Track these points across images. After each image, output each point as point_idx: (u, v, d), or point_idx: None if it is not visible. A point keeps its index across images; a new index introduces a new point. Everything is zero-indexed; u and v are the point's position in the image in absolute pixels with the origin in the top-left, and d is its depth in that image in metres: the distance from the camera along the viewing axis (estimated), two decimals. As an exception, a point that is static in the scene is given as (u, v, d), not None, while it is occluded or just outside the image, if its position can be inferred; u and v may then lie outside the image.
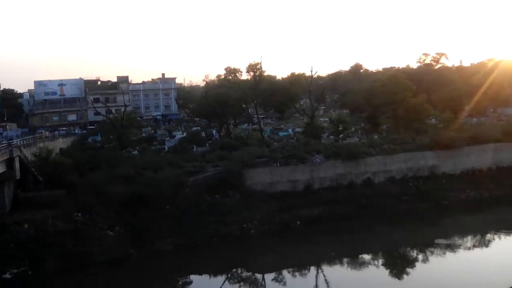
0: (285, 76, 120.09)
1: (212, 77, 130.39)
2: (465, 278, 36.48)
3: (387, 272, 43.31)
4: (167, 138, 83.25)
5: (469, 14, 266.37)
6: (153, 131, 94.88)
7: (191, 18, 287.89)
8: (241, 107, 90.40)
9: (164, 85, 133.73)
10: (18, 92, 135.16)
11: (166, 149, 72.82)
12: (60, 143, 76.41)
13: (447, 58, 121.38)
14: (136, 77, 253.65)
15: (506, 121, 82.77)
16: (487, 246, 48.17)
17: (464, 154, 63.42)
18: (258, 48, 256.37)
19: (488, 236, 50.43)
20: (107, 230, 45.66)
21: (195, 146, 71.35)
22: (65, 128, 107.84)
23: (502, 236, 50.73)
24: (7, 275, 39.85)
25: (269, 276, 42.69)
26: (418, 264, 43.68)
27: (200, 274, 44.47)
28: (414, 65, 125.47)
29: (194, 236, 47.54)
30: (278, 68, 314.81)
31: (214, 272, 44.00)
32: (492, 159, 64.46)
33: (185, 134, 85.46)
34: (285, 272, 43.25)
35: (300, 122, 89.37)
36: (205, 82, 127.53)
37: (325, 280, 41.04)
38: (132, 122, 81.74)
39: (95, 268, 41.74)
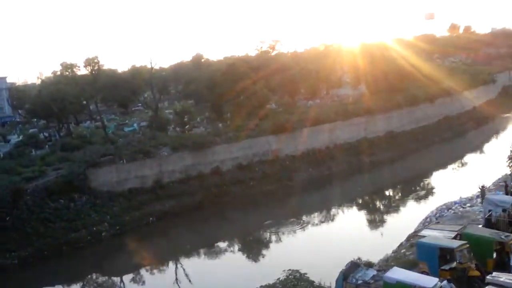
0: (126, 69, 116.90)
1: (48, 74, 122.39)
2: (316, 253, 38.47)
3: (244, 256, 44.54)
4: (1, 143, 76.76)
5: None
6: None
7: (16, 8, 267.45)
8: (81, 104, 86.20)
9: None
10: None
11: (1, 155, 67.12)
12: None
13: (281, 45, 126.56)
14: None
15: (338, 101, 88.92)
16: (333, 220, 51.64)
17: (304, 135, 66.94)
18: (95, 41, 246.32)
19: (333, 211, 54.00)
20: None
21: (33, 150, 66.67)
22: None
23: (345, 210, 54.73)
24: None
25: (127, 278, 41.76)
26: (273, 245, 45.46)
27: (53, 285, 42.26)
28: (253, 52, 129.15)
29: (41, 246, 44.55)
30: (118, 62, 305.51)
31: (68, 282, 42.05)
32: (329, 138, 69.14)
33: (21, 137, 79.47)
34: (143, 271, 42.65)
35: (145, 115, 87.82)
36: (40, 80, 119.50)
37: (185, 273, 41.02)
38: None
39: None
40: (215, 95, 78.71)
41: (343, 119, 71.52)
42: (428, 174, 64.04)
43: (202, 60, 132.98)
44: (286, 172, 62.32)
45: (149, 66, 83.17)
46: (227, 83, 75.41)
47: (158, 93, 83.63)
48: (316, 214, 53.23)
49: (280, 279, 24.07)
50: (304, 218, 50.71)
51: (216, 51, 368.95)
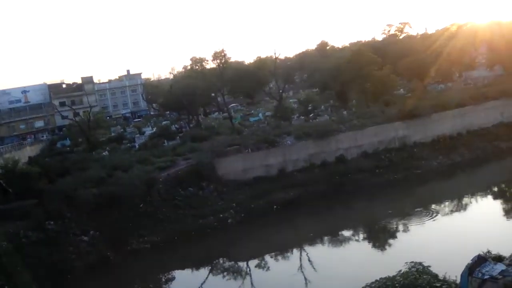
0: (252, 61, 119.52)
1: (179, 69, 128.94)
2: (444, 245, 36.45)
3: (369, 246, 43.37)
4: (136, 135, 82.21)
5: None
6: (122, 130, 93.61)
7: (152, 11, 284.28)
8: (209, 96, 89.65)
9: (130, 81, 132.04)
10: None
11: (137, 146, 71.91)
12: (28, 151, 74.88)
13: (410, 27, 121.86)
14: (102, 76, 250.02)
15: (473, 84, 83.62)
16: (465, 210, 48.55)
17: (434, 121, 63.74)
18: (222, 34, 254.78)
19: (465, 200, 50.82)
20: (81, 236, 44.73)
21: (165, 141, 70.59)
22: (31, 136, 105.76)
23: (479, 199, 51.22)
24: (-18, 292, 38.80)
25: (252, 263, 42.38)
26: (399, 235, 43.72)
27: (182, 269, 44.01)
28: (380, 37, 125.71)
29: (171, 232, 47.01)
30: (245, 54, 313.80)
31: (196, 266, 43.53)
32: (461, 124, 65.12)
33: (155, 129, 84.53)
34: (267, 258, 43.09)
35: (270, 105, 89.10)
36: (172, 75, 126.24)
37: (309, 260, 40.73)
38: (99, 123, 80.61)
39: (72, 275, 40.97)
40: (339, 82, 77.86)
41: (476, 103, 66.82)
42: None
43: (327, 47, 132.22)
44: (414, 160, 59.72)
45: (273, 56, 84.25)
46: (352, 70, 74.22)
47: (283, 82, 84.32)
48: (446, 203, 50.29)
49: (402, 271, 22.87)
50: (433, 207, 48.17)
51: (342, 37, 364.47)
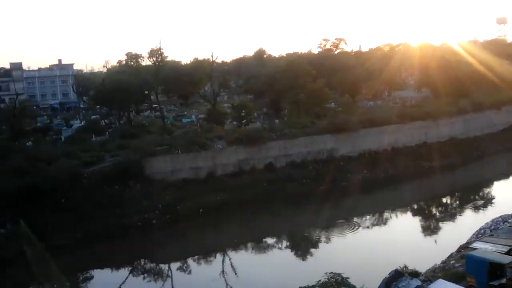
0: (189, 62, 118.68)
1: (114, 63, 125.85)
2: (363, 257, 37.59)
3: (291, 254, 44.18)
4: (64, 128, 79.62)
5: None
6: (48, 121, 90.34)
7: (90, 1, 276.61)
8: (142, 93, 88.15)
9: (61, 71, 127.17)
10: None
11: (63, 139, 69.66)
12: None
13: (345, 44, 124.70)
14: (32, 64, 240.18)
15: (401, 104, 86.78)
16: (385, 224, 50.45)
17: (361, 136, 65.73)
18: (160, 32, 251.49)
19: (386, 214, 52.76)
20: (-4, 227, 42.87)
21: (94, 135, 68.83)
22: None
23: (399, 214, 53.36)
24: None
25: (174, 266, 42.34)
26: (321, 245, 44.79)
27: (102, 268, 43.18)
28: (316, 50, 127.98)
29: (94, 230, 45.80)
30: (182, 54, 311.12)
31: (116, 266, 42.97)
32: (388, 141, 67.39)
33: (83, 123, 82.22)
34: (190, 261, 43.16)
35: (204, 108, 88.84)
36: (105, 69, 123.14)
37: (231, 265, 41.07)
38: (26, 111, 77.48)
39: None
40: (274, 91, 78.67)
41: (403, 122, 69.48)
42: (489, 183, 61.36)
43: (265, 55, 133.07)
44: (341, 172, 61.32)
45: (211, 59, 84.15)
46: (287, 80, 75.20)
47: (218, 86, 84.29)
48: (368, 217, 52.07)
49: (321, 281, 23.54)
50: (355, 220, 49.74)
51: (279, 47, 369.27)
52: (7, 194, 44.90)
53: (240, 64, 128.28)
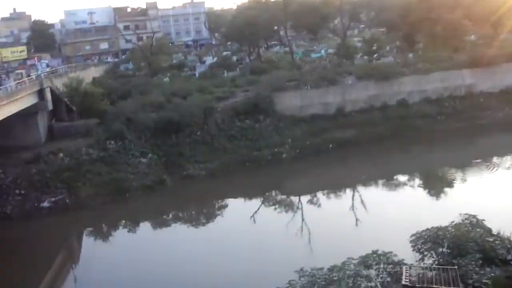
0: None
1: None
2: (501, 200, 35.25)
3: (424, 193, 42.27)
4: (197, 64, 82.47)
5: None
6: (183, 57, 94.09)
7: None
8: (271, 29, 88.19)
9: (193, 9, 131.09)
10: (49, 22, 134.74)
11: (197, 75, 72.33)
12: (93, 72, 76.54)
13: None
14: (166, 3, 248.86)
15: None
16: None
17: (504, 72, 60.79)
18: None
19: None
20: (140, 157, 46.15)
21: (225, 71, 70.58)
22: (95, 58, 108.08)
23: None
24: (45, 204, 41.01)
25: (304, 199, 42.61)
26: (456, 185, 42.48)
27: (235, 197, 44.91)
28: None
29: (226, 161, 47.96)
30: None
31: (249, 196, 44.18)
32: (535, 76, 61.56)
33: (215, 59, 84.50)
34: (319, 195, 43.10)
35: (334, 43, 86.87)
36: (235, 5, 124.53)
37: (361, 201, 40.19)
38: (162, 49, 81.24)
39: (130, 194, 42.75)
40: (407, 23, 74.59)
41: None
42: None
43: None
44: (480, 110, 57.52)
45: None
46: (422, 11, 70.73)
47: (348, 20, 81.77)
48: (508, 157, 48.40)
49: (455, 222, 22.39)
50: (494, 160, 46.70)
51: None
52: (147, 126, 48.29)
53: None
